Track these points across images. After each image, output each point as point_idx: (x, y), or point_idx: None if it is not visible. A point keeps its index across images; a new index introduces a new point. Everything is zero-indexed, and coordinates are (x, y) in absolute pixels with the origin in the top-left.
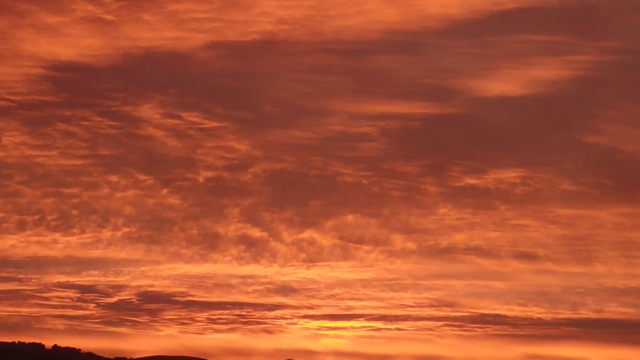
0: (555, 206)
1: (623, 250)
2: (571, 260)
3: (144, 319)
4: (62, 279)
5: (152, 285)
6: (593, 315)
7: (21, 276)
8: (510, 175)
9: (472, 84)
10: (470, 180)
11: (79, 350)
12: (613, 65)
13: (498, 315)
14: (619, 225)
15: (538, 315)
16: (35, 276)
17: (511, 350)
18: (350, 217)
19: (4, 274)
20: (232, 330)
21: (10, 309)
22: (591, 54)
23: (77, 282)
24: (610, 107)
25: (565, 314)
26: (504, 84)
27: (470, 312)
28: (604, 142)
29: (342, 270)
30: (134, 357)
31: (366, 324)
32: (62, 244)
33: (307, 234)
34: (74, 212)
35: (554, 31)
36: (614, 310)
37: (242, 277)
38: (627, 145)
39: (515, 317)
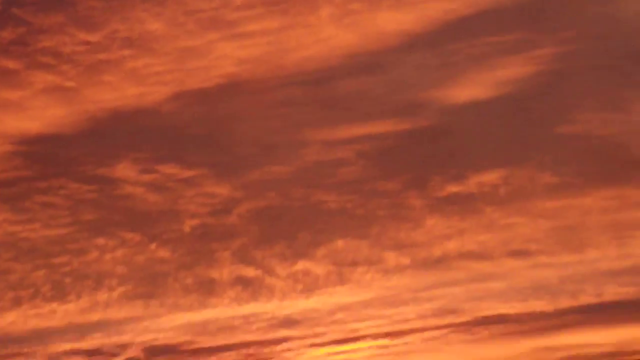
0: (540, 200)
1: (613, 232)
2: (564, 250)
3: None
4: (67, 346)
5: (156, 339)
6: (593, 300)
7: (26, 350)
8: (491, 177)
9: (439, 95)
10: (453, 188)
11: None
12: (574, 54)
13: (501, 315)
14: (605, 209)
15: (540, 309)
16: (40, 348)
17: (518, 346)
18: (340, 242)
19: (8, 351)
20: None
21: None
22: (551, 46)
23: (82, 348)
24: (579, 96)
25: (566, 303)
26: (470, 89)
27: (473, 315)
28: (578, 131)
29: (340, 295)
30: None
31: (373, 343)
32: (61, 313)
33: (301, 265)
34: (67, 280)
35: (511, 30)
36: (612, 292)
37: (244, 316)
38: (601, 130)
39: (517, 314)
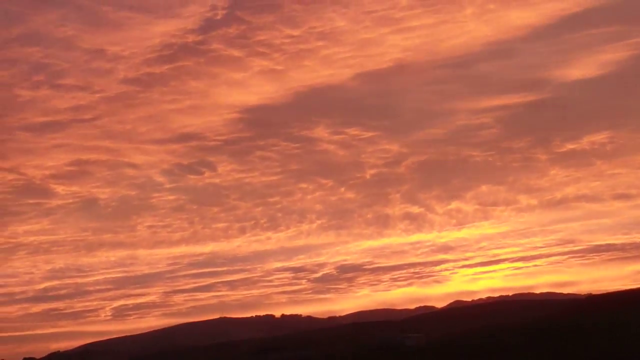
0: (639, 155)
1: None
2: None
3: (344, 285)
4: (279, 265)
5: (345, 260)
6: None
7: (248, 267)
8: (600, 137)
9: (556, 74)
10: (570, 146)
11: (300, 315)
12: None
13: (609, 244)
14: None
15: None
16: (259, 265)
17: (623, 269)
18: (484, 187)
19: (236, 267)
20: (410, 284)
21: (245, 292)
22: None
23: (290, 266)
24: None
25: None
26: (580, 69)
27: (587, 245)
28: None
29: (484, 228)
30: (341, 315)
31: (510, 265)
32: (274, 239)
33: (454, 204)
34: (278, 214)
35: (611, 23)
36: None
37: (411, 243)
38: None
39: (622, 244)
